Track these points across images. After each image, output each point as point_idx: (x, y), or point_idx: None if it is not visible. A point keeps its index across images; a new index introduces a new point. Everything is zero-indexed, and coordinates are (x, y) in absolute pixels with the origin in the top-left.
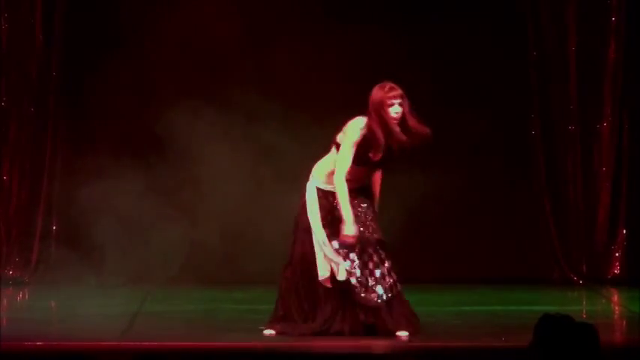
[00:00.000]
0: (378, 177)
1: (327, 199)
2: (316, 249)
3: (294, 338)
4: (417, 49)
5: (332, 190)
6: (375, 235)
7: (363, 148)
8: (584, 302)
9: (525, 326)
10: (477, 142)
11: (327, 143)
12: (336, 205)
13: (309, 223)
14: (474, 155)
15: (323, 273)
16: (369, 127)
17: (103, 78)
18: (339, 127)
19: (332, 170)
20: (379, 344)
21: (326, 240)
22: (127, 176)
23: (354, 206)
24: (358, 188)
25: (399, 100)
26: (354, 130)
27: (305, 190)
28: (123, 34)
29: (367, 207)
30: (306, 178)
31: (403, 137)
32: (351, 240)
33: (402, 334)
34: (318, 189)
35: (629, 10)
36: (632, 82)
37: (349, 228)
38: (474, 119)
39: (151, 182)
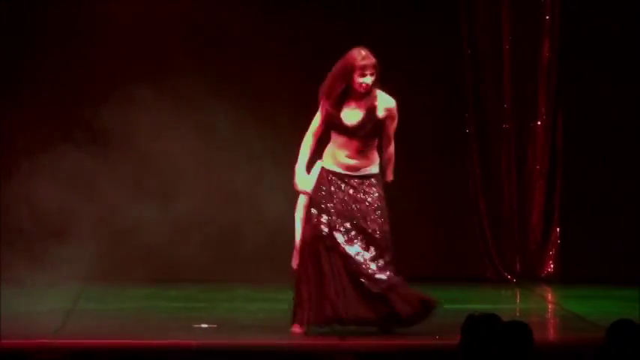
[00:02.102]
0: (388, 154)
1: (331, 179)
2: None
3: (228, 335)
4: (348, 43)
5: (335, 170)
6: (372, 227)
7: (335, 110)
8: (518, 300)
9: (459, 325)
10: (411, 141)
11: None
12: (334, 182)
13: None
14: (407, 154)
15: None
16: (328, 84)
17: (37, 70)
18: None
19: (334, 149)
20: (310, 342)
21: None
22: (62, 172)
23: (346, 185)
24: (346, 163)
25: (370, 71)
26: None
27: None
28: (59, 22)
29: (365, 190)
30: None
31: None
32: (299, 189)
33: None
34: (324, 169)
35: (563, 10)
36: (566, 81)
37: (297, 181)
38: (408, 117)
39: (85, 178)
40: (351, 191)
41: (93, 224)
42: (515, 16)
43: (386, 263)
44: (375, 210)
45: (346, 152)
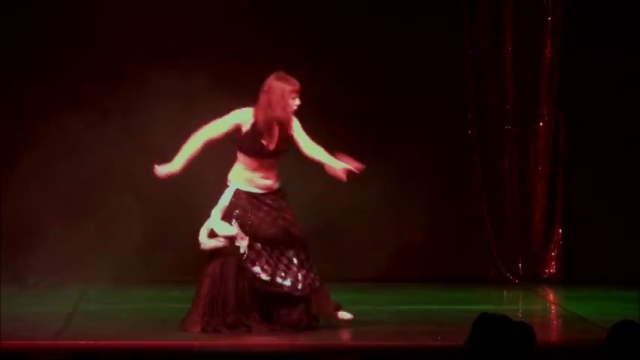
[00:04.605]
0: (323, 154)
1: (248, 199)
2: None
3: (230, 337)
4: (351, 45)
5: (255, 191)
6: (294, 231)
7: (254, 135)
8: (520, 301)
9: (461, 325)
10: (413, 141)
11: None
12: (252, 203)
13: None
14: (409, 154)
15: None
16: (260, 114)
17: (37, 67)
18: None
19: (248, 173)
20: (312, 344)
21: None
22: (63, 172)
23: (264, 204)
24: (262, 183)
25: (298, 94)
26: (235, 113)
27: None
28: (64, 19)
29: (281, 203)
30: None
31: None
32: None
33: (344, 315)
34: (239, 190)
35: (565, 10)
36: (568, 82)
37: (167, 167)
38: (410, 118)
39: (86, 179)
40: (267, 209)
41: (94, 225)
42: (518, 16)
43: (310, 267)
44: (293, 222)
45: (262, 174)
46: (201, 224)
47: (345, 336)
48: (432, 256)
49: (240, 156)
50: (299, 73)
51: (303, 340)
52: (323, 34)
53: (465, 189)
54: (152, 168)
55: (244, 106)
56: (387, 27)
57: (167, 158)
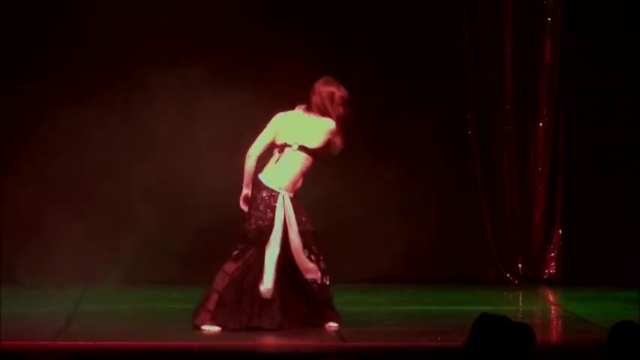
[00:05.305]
0: None
1: (290, 201)
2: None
3: (230, 336)
4: (351, 45)
5: (290, 195)
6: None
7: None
8: (520, 302)
9: (461, 326)
10: (413, 142)
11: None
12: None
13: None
14: (409, 155)
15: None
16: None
17: (40, 65)
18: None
19: (295, 177)
20: (312, 344)
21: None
22: (60, 172)
23: (294, 204)
24: (297, 187)
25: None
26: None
27: (270, 200)
28: (66, 16)
29: (300, 202)
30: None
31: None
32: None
33: (332, 325)
34: (291, 198)
35: (564, 12)
36: (568, 83)
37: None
38: (410, 119)
39: (88, 178)
40: (297, 207)
41: (95, 225)
42: (517, 17)
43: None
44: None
45: (303, 178)
46: (202, 224)
47: (345, 336)
48: (431, 256)
49: (307, 161)
50: (299, 73)
51: (303, 341)
52: (323, 34)
53: (464, 189)
54: (154, 167)
55: (246, 103)
56: (387, 27)
57: (168, 157)
